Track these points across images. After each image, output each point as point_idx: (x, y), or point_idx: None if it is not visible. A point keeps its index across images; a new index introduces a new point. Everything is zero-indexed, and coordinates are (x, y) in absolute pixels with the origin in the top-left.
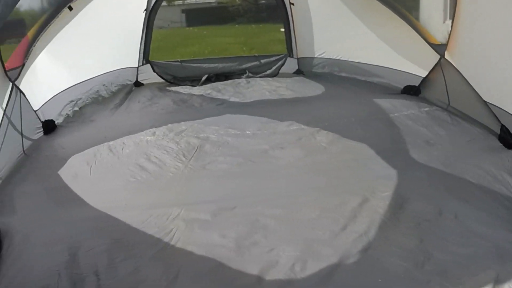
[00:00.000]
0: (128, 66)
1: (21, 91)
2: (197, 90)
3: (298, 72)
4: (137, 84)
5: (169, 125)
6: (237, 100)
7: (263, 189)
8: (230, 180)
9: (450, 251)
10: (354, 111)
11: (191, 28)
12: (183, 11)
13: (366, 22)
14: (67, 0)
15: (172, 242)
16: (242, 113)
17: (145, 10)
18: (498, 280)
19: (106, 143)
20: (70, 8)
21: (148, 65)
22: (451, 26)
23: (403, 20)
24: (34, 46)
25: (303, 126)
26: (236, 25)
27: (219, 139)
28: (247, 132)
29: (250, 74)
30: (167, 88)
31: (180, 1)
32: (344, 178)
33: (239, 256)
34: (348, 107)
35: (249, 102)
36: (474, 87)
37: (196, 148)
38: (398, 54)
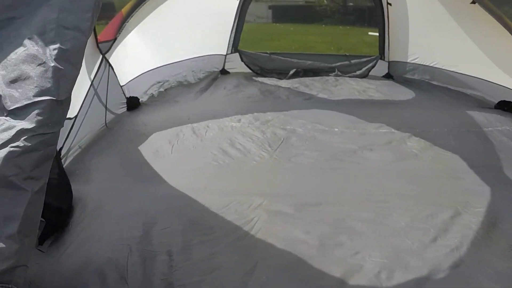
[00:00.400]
0: (216, 53)
1: (110, 65)
2: (284, 82)
3: (388, 76)
4: (224, 72)
5: (255, 114)
6: (325, 96)
7: (351, 189)
8: (317, 176)
9: None
10: (446, 121)
11: (277, 24)
12: (270, 7)
13: (466, 29)
14: None
15: (252, 232)
16: (330, 110)
17: None
18: None
19: (189, 125)
20: None
21: (236, 54)
22: None
23: (507, 29)
24: (127, 22)
25: (393, 130)
26: (323, 25)
27: (305, 133)
28: (335, 129)
29: (339, 73)
30: (253, 78)
31: None
32: (436, 188)
33: (322, 255)
34: (439, 116)
35: (337, 99)
36: None
37: (282, 139)
38: (497, 66)
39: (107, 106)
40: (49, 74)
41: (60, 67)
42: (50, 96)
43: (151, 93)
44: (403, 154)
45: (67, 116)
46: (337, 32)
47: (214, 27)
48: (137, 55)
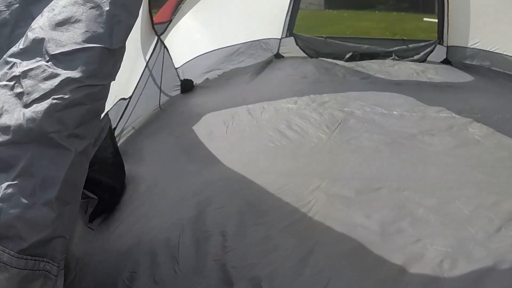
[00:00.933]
0: (271, 37)
1: (165, 46)
2: (340, 62)
3: (446, 62)
4: (278, 56)
5: (312, 95)
6: (382, 77)
7: (413, 174)
8: (377, 159)
9: None
10: (509, 107)
11: (329, 10)
12: None
13: None
14: None
15: (310, 215)
16: (388, 91)
17: None
18: None
19: (244, 106)
20: None
21: (291, 38)
22: None
23: None
24: (182, 4)
25: (454, 115)
26: (376, 11)
27: (364, 116)
28: (394, 112)
29: (396, 58)
30: (308, 59)
31: None
32: (500, 177)
33: (382, 242)
34: (501, 102)
35: (395, 80)
36: None
37: (340, 121)
38: None
39: (162, 88)
40: (103, 18)
41: (115, 12)
42: (102, 43)
43: (206, 77)
44: (465, 140)
45: (122, 97)
46: (392, 18)
47: (269, 10)
48: (192, 38)
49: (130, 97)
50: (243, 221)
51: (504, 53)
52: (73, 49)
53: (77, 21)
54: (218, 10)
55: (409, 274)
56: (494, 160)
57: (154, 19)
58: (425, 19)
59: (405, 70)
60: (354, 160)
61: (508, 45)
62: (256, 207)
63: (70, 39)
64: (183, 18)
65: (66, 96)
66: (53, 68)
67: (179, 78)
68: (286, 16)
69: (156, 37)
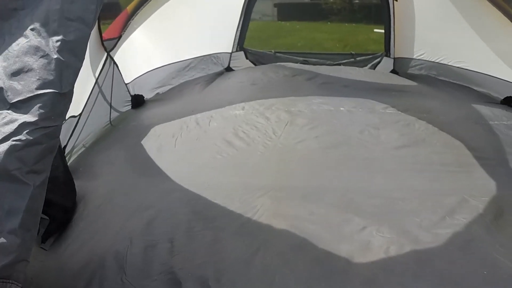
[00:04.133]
0: (222, 52)
1: (115, 62)
2: (290, 64)
3: (393, 72)
4: (229, 69)
5: (259, 100)
6: (331, 78)
7: (358, 175)
8: (322, 162)
9: None
10: (452, 111)
11: (282, 22)
12: (275, 5)
13: (473, 24)
14: None
15: (256, 217)
16: (335, 90)
17: None
18: None
19: (193, 116)
20: None
21: (242, 52)
22: None
23: None
24: (132, 20)
25: (400, 112)
26: (329, 23)
27: (311, 114)
28: (341, 108)
29: None
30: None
31: None
32: (443, 178)
33: (329, 233)
34: (445, 107)
35: (343, 79)
36: None
37: (287, 122)
38: (504, 62)
39: (112, 104)
40: (52, 66)
41: (63, 59)
42: (53, 88)
43: (157, 91)
44: (411, 138)
45: (72, 114)
46: (344, 30)
47: (220, 25)
48: (143, 53)
49: (80, 115)
50: (191, 228)
51: (449, 64)
52: (28, 97)
53: (30, 70)
54: (169, 25)
55: (357, 262)
56: (438, 160)
57: (103, 35)
58: (375, 30)
59: (353, 72)
60: (300, 166)
61: (452, 56)
62: (204, 215)
63: (25, 87)
64: (134, 34)
65: (24, 138)
66: (13, 114)
67: (129, 93)
68: (237, 31)
69: (106, 54)
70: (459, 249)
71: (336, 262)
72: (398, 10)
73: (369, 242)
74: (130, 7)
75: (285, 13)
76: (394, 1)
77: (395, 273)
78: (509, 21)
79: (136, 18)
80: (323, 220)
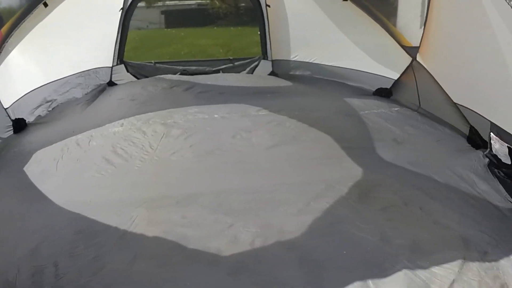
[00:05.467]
0: (102, 66)
1: None
2: (168, 76)
3: (272, 74)
4: (111, 84)
5: (137, 115)
6: (206, 86)
7: (230, 182)
8: (196, 170)
9: (419, 231)
10: (324, 107)
11: (169, 29)
12: (162, 12)
13: (341, 26)
14: None
15: (132, 228)
16: (212, 98)
17: (121, 9)
18: (465, 259)
19: (74, 137)
20: (45, 5)
21: (122, 65)
22: (423, 29)
23: (378, 23)
24: (7, 42)
25: (273, 113)
26: (215, 28)
27: (186, 124)
28: (215, 116)
29: None
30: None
31: (160, 3)
32: (311, 169)
33: (199, 233)
34: (318, 103)
35: (220, 86)
36: (445, 89)
37: (162, 135)
38: (372, 58)
39: None
40: None
41: None
42: None
43: (38, 113)
44: (282, 137)
45: None
46: (229, 34)
47: (98, 39)
48: (21, 74)
49: None
50: (74, 248)
51: (322, 63)
52: None
53: None
54: (45, 44)
55: (225, 257)
56: (308, 154)
57: None
58: (259, 32)
59: (230, 78)
60: (174, 176)
61: (324, 57)
62: (85, 233)
63: None
64: (10, 56)
65: None
66: None
67: (10, 118)
68: (116, 44)
69: None
70: (321, 233)
71: (205, 257)
72: (271, 14)
73: (236, 237)
74: (4, 29)
75: (173, 20)
76: (267, 7)
77: (260, 261)
78: (373, 20)
79: (11, 39)
80: (194, 222)
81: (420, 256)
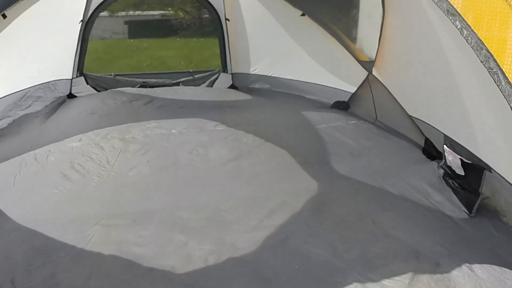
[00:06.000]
0: (62, 78)
1: None
2: (127, 89)
3: (232, 87)
4: (71, 96)
5: (96, 130)
6: (165, 100)
7: (187, 197)
8: (153, 186)
9: (369, 245)
10: (281, 120)
11: (132, 40)
12: (126, 22)
13: (299, 40)
14: (0, 7)
15: (87, 247)
16: (171, 112)
17: (81, 21)
18: (416, 272)
19: (32, 152)
20: (4, 16)
21: (82, 77)
22: (378, 44)
23: (335, 38)
24: None
25: (230, 128)
26: (178, 39)
27: (144, 139)
28: (173, 131)
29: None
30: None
31: (123, 13)
32: (267, 185)
33: (153, 252)
34: (276, 117)
35: (179, 100)
36: (400, 102)
37: (120, 150)
38: (330, 72)
39: None
40: None
41: None
42: None
43: None
44: (239, 152)
45: None
46: (192, 45)
47: (59, 51)
48: None
49: None
50: (30, 265)
51: (281, 77)
52: None
53: None
54: (3, 56)
55: (179, 274)
56: (263, 169)
57: None
58: (219, 46)
59: (189, 92)
60: (131, 192)
61: (283, 70)
62: (42, 250)
63: None
64: None
65: None
66: None
67: None
68: (75, 56)
69: None
70: (272, 248)
71: (159, 274)
72: (231, 28)
73: (190, 255)
74: None
75: (136, 30)
76: (226, 20)
77: (212, 278)
78: (329, 34)
79: None
80: (149, 241)
81: (371, 270)
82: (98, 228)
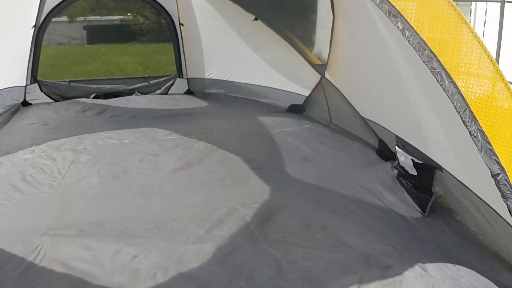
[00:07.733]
0: (15, 85)
1: None
2: (82, 99)
3: (188, 93)
4: (25, 103)
5: (49, 142)
6: (118, 109)
7: (136, 207)
8: (102, 196)
9: (315, 259)
10: (235, 127)
11: (90, 45)
12: (84, 27)
13: (253, 44)
14: None
15: (37, 261)
16: (123, 122)
17: (34, 26)
18: (362, 282)
19: None
20: None
21: (36, 84)
22: (329, 47)
23: (287, 41)
24: None
25: (182, 136)
26: (137, 44)
27: (96, 150)
28: (125, 141)
29: (139, 94)
30: (52, 104)
31: (82, 18)
32: (217, 192)
33: (101, 267)
34: (230, 123)
35: (132, 109)
36: (353, 104)
37: (72, 161)
38: (284, 75)
39: None
40: None
41: None
42: None
43: None
44: (189, 160)
45: None
46: (150, 51)
47: (11, 57)
48: None
49: None
50: None
51: (235, 81)
52: None
53: None
54: None
55: None
56: (213, 177)
57: None
58: (174, 51)
59: (142, 101)
60: (81, 202)
61: (237, 74)
62: None
63: None
64: None
65: None
66: None
67: None
68: (29, 62)
69: None
70: (219, 262)
71: None
72: (185, 33)
73: (138, 271)
74: None
75: (95, 36)
76: (181, 25)
77: None
78: (283, 39)
79: None
80: (97, 255)
81: (316, 286)
82: (46, 238)
